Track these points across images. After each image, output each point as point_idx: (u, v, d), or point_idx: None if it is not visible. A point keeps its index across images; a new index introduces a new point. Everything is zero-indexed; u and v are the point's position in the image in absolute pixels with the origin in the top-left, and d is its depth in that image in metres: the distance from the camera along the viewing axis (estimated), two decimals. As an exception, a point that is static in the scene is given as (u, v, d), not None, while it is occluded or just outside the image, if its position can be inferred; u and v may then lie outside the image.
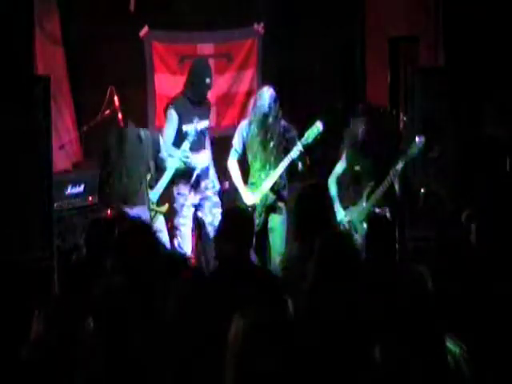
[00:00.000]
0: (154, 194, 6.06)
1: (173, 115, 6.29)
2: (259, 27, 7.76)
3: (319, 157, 6.38)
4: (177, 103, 6.36)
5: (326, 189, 5.06)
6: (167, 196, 6.25)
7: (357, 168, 5.96)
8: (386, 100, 7.41)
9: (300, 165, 5.93)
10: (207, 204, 6.43)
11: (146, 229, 4.24)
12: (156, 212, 6.05)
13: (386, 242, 4.39)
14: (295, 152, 5.83)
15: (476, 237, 5.07)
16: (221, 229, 4.06)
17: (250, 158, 6.12)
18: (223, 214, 4.19)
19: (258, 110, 5.96)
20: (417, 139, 5.61)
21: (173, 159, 6.10)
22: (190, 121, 6.21)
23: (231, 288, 3.75)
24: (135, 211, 5.93)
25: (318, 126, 5.82)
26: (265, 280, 3.93)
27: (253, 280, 3.82)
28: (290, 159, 5.86)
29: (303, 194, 4.62)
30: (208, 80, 6.35)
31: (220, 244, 4.01)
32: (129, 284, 3.82)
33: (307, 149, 5.88)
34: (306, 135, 5.84)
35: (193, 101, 6.33)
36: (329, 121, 5.99)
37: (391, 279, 3.67)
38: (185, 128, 6.26)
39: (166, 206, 6.13)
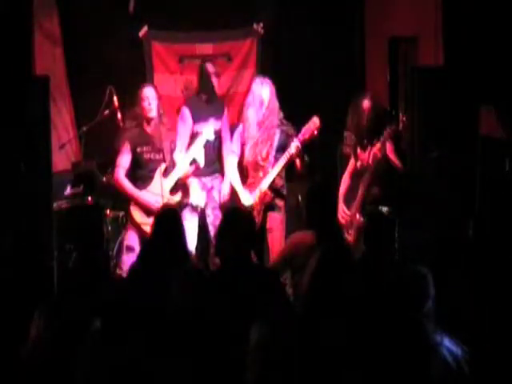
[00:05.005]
0: (168, 183, 6.06)
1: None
2: (259, 27, 7.75)
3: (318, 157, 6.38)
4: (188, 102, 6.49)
5: (330, 187, 5.13)
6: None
7: (358, 163, 5.99)
8: (386, 100, 7.41)
9: (298, 162, 5.92)
10: (210, 204, 6.46)
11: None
12: (168, 200, 6.05)
13: (383, 239, 4.49)
14: (292, 148, 5.83)
15: (475, 237, 5.08)
16: (222, 228, 4.07)
17: (247, 155, 6.12)
18: (224, 214, 4.20)
19: (252, 102, 5.99)
20: (387, 128, 5.71)
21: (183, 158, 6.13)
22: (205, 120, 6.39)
23: (232, 287, 3.75)
24: (148, 197, 5.97)
25: (315, 121, 5.83)
26: (266, 279, 3.93)
27: (254, 279, 3.83)
28: (288, 155, 5.86)
29: (310, 192, 4.86)
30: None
31: (221, 243, 4.02)
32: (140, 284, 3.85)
33: (305, 145, 5.88)
34: (302, 130, 5.84)
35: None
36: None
37: (389, 277, 3.69)
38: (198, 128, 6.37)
39: (179, 195, 6.13)
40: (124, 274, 5.73)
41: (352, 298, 3.38)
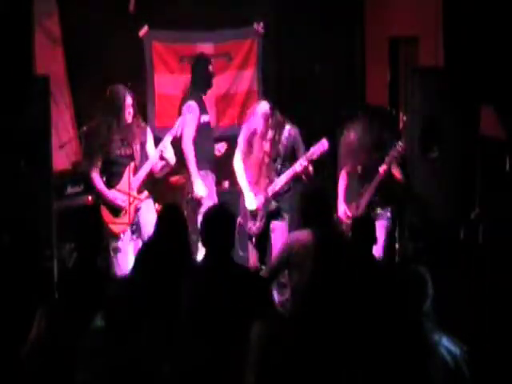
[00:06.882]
0: (135, 181, 6.04)
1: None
2: (259, 27, 7.75)
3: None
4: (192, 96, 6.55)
5: (325, 190, 5.16)
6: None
7: (359, 167, 6.00)
8: (386, 100, 7.41)
9: (303, 176, 5.96)
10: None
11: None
12: (134, 198, 6.02)
13: (367, 243, 4.67)
14: (299, 166, 5.86)
15: (475, 237, 5.09)
16: (201, 229, 4.07)
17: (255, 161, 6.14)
18: (204, 215, 4.19)
19: (256, 125, 6.02)
20: (398, 144, 5.70)
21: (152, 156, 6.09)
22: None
23: (212, 286, 3.76)
24: (114, 195, 5.96)
25: (324, 144, 5.85)
26: (247, 279, 3.93)
27: (234, 279, 3.83)
28: (294, 171, 5.89)
29: (306, 195, 4.96)
30: (211, 67, 6.68)
31: (203, 244, 4.05)
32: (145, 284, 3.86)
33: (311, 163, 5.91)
34: (311, 151, 5.86)
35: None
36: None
37: (388, 277, 3.70)
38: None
39: (145, 193, 6.10)
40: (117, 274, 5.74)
41: (351, 296, 3.39)
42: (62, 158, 6.91)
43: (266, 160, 6.03)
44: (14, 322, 4.69)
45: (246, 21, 7.78)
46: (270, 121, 6.00)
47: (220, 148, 6.66)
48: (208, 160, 6.49)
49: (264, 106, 6.08)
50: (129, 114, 6.01)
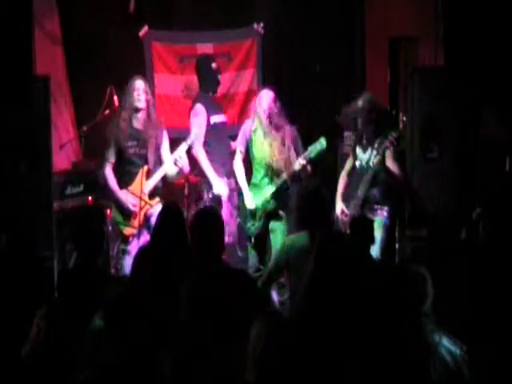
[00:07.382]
0: (149, 184, 6.04)
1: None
2: (259, 27, 7.75)
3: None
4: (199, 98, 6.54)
5: (323, 190, 5.16)
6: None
7: (357, 163, 6.00)
8: (386, 100, 7.41)
9: (302, 175, 5.96)
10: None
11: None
12: (145, 203, 6.01)
13: (364, 242, 4.71)
14: (297, 165, 5.86)
15: (475, 237, 5.10)
16: (191, 230, 4.08)
17: (254, 160, 6.12)
18: (194, 216, 4.21)
19: (261, 115, 5.98)
20: (391, 134, 5.71)
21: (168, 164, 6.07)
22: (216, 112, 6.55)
23: (205, 287, 3.77)
24: (126, 197, 5.97)
25: (322, 143, 5.85)
26: (237, 279, 3.93)
27: (224, 279, 3.84)
28: (292, 171, 5.89)
29: (303, 194, 5.02)
30: (214, 64, 6.73)
31: (193, 244, 4.07)
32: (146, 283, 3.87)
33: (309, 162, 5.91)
34: (309, 150, 5.86)
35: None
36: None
37: (388, 277, 3.70)
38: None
39: (157, 199, 6.09)
40: (121, 276, 5.74)
41: (351, 296, 3.39)
42: (61, 158, 6.91)
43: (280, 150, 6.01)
44: (14, 322, 4.69)
45: (245, 21, 7.78)
46: (276, 105, 6.00)
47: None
48: (222, 164, 6.46)
49: (269, 92, 6.07)
50: (138, 95, 5.99)
